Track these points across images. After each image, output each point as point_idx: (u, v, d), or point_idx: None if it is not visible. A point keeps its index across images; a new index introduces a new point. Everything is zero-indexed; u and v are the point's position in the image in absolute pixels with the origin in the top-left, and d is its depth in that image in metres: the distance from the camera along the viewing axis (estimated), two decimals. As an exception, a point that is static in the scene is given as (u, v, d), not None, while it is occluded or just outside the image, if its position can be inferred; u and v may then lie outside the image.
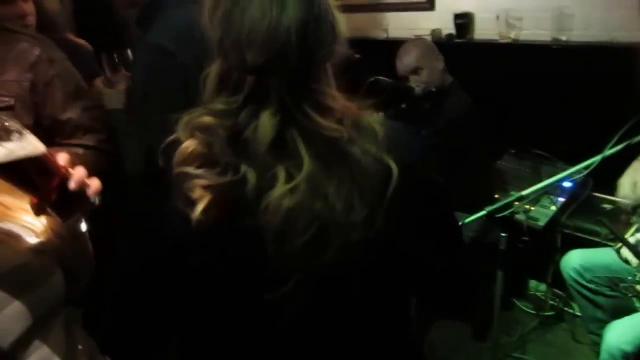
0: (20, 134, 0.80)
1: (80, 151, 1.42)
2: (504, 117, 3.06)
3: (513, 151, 3.10)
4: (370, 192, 0.77)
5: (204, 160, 0.79)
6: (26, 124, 1.32)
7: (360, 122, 0.81)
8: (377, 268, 0.83)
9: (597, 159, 1.73)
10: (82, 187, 0.85)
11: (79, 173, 0.85)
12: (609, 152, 1.71)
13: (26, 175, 0.81)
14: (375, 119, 0.83)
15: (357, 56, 3.27)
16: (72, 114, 1.44)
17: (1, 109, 1.32)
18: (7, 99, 1.34)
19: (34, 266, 0.85)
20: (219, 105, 0.78)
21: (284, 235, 0.75)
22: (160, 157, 0.82)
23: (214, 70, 0.80)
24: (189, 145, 0.80)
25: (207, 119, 0.78)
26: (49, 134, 1.39)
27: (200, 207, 0.77)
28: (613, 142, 1.73)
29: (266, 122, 0.75)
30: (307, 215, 0.75)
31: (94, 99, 1.60)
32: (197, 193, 0.78)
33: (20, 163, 0.79)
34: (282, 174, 0.75)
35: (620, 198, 2.20)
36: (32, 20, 1.85)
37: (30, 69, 1.38)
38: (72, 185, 0.82)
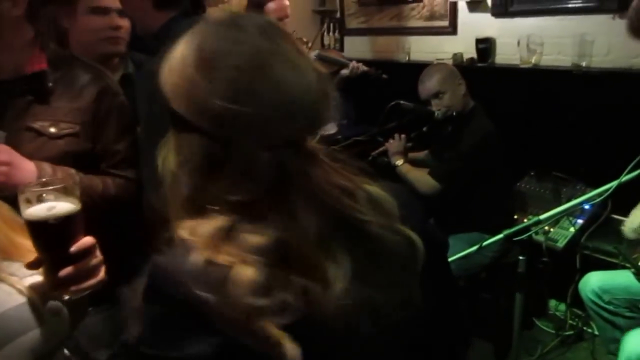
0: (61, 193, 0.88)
1: (122, 182, 1.49)
2: (524, 139, 3.11)
3: (533, 173, 3.14)
4: (401, 268, 0.72)
5: (262, 286, 0.62)
6: (85, 151, 1.42)
7: (373, 196, 0.74)
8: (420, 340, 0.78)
9: (614, 184, 1.77)
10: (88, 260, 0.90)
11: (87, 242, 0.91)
12: (625, 178, 1.76)
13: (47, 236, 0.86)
14: (381, 189, 0.76)
15: (384, 76, 3.37)
16: (121, 146, 1.49)
17: (67, 135, 1.39)
18: (73, 125, 1.40)
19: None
20: (232, 197, 0.66)
21: (347, 332, 0.66)
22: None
23: (196, 148, 0.67)
24: (247, 272, 0.62)
25: (256, 238, 0.64)
26: (98, 159, 1.48)
27: (290, 348, 0.60)
28: (630, 167, 1.78)
29: (308, 222, 0.66)
30: (362, 308, 0.67)
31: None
32: (276, 331, 0.60)
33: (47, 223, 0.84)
34: (331, 273, 0.65)
35: (626, 229, 2.20)
36: (125, 35, 1.89)
37: (95, 99, 1.44)
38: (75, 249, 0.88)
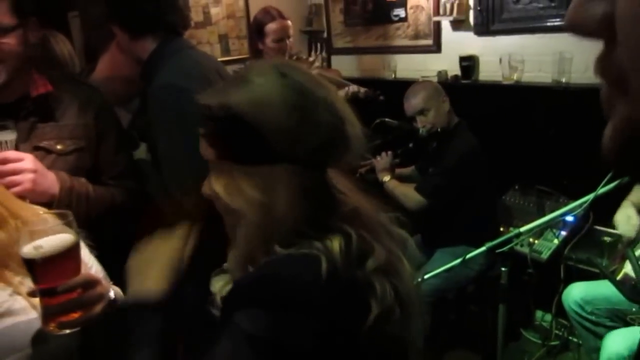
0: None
1: (124, 191, 1.56)
2: (508, 154, 3.18)
3: (517, 187, 3.21)
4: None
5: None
6: (88, 166, 1.49)
7: (389, 230, 0.92)
8: None
9: (591, 196, 1.83)
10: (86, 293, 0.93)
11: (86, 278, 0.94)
12: (601, 191, 1.82)
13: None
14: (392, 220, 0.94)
15: (381, 98, 3.41)
16: (120, 158, 1.58)
17: (75, 150, 1.46)
18: (78, 141, 1.48)
19: None
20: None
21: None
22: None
23: (294, 186, 0.84)
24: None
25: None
26: (98, 172, 1.54)
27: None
28: (605, 180, 1.84)
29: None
30: None
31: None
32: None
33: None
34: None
35: (621, 233, 2.30)
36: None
37: (96, 116, 1.52)
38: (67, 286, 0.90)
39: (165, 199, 1.55)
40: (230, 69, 2.71)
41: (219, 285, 1.03)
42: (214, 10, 3.91)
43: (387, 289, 0.83)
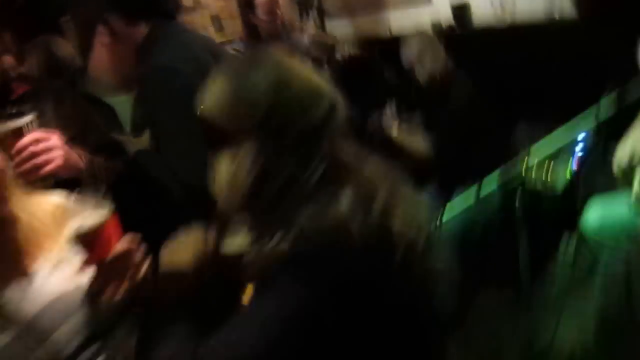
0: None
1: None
2: (510, 98, 3.18)
3: (524, 124, 3.18)
4: None
5: None
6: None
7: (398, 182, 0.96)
8: None
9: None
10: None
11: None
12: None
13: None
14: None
15: (377, 58, 3.42)
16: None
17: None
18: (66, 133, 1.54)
19: None
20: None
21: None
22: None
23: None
24: None
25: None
26: None
27: None
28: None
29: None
30: None
31: None
32: None
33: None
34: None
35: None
36: None
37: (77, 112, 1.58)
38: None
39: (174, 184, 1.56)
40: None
41: (237, 244, 1.07)
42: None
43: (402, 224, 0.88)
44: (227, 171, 0.88)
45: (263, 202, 0.87)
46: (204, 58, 1.66)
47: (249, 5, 3.01)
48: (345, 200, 0.84)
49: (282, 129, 0.85)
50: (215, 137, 0.91)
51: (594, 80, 2.76)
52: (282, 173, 0.85)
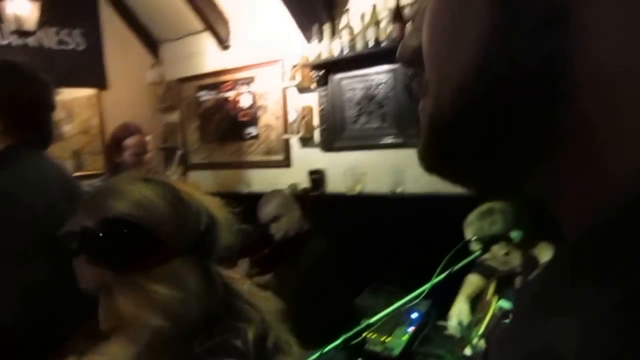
0: None
1: None
2: (357, 259, 3.38)
3: (368, 289, 3.39)
4: None
5: None
6: None
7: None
8: None
9: (428, 286, 2.03)
10: None
11: None
12: (436, 280, 2.02)
13: None
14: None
15: (236, 210, 3.45)
16: None
17: None
18: None
19: None
20: None
21: None
22: None
23: None
24: None
25: None
26: None
27: None
28: (438, 271, 2.05)
29: None
30: None
31: None
32: None
33: None
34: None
35: (451, 330, 2.52)
36: None
37: None
38: None
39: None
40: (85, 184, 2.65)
41: None
42: (67, 127, 3.86)
43: None
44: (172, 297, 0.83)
45: None
46: (55, 189, 1.58)
47: (118, 145, 3.00)
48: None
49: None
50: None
51: (431, 249, 3.05)
52: None
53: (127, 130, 3.02)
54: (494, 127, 0.29)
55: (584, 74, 0.26)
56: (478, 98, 0.29)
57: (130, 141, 2.96)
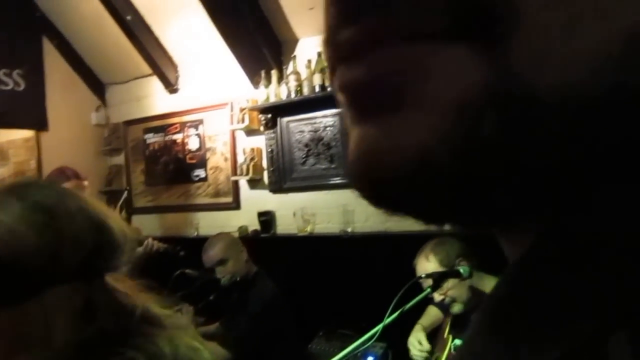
0: None
1: None
2: (309, 302, 3.22)
3: (321, 333, 3.21)
4: None
5: None
6: None
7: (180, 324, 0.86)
8: None
9: (379, 327, 1.89)
10: None
11: None
12: (388, 320, 1.89)
13: None
14: None
15: (182, 253, 3.28)
16: None
17: None
18: None
19: None
20: None
21: None
22: None
23: None
24: None
25: None
26: None
27: None
28: (389, 311, 1.92)
29: None
30: None
31: None
32: None
33: None
34: None
35: (412, 358, 2.38)
36: None
37: None
38: None
39: None
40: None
41: None
42: (1, 169, 3.59)
43: None
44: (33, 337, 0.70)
45: None
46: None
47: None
48: None
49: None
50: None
51: (385, 288, 2.93)
52: None
53: (63, 174, 2.80)
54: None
55: None
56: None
57: (65, 186, 2.74)
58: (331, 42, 0.20)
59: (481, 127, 0.17)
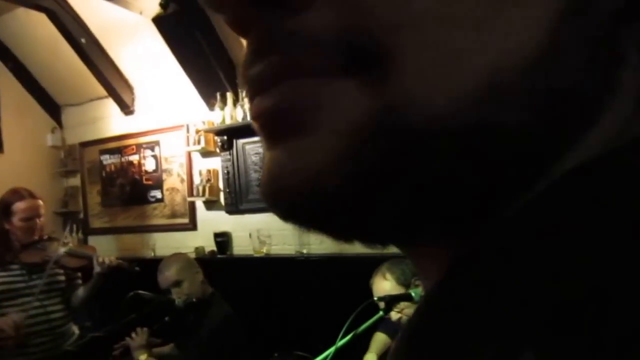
0: None
1: None
2: (264, 323, 3.21)
3: (277, 354, 3.20)
4: None
5: None
6: None
7: None
8: None
9: (332, 350, 1.91)
10: None
11: None
12: (340, 343, 1.92)
13: None
14: None
15: (137, 269, 3.22)
16: None
17: None
18: None
19: None
20: None
21: None
22: None
23: None
24: None
25: None
26: None
27: None
28: (342, 333, 1.95)
29: None
30: None
31: None
32: None
33: None
34: None
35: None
36: None
37: None
38: None
39: None
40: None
41: None
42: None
43: None
44: None
45: None
46: None
47: (6, 210, 2.70)
48: None
49: None
50: None
51: (339, 310, 2.96)
52: None
53: (17, 194, 2.73)
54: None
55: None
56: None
57: (19, 205, 2.67)
58: (247, 76, 0.22)
59: (368, 152, 0.19)
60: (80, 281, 2.90)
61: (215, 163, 3.74)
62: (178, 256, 2.81)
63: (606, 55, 0.19)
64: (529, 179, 0.19)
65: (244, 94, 3.48)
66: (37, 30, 3.85)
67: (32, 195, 2.76)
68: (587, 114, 0.19)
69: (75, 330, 2.80)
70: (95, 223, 4.28)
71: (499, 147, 0.19)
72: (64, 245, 3.29)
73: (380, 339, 2.47)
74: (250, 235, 3.49)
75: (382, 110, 0.19)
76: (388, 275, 2.13)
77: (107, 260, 3.04)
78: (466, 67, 0.18)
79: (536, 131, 0.19)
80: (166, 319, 2.67)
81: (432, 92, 0.18)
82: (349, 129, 0.19)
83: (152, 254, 3.92)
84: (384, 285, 2.12)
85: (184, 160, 3.87)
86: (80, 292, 2.82)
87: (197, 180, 3.75)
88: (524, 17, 0.18)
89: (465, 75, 0.18)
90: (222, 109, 3.51)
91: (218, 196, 3.71)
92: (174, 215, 3.89)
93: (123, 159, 4.17)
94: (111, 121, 4.27)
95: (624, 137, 0.19)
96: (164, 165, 3.97)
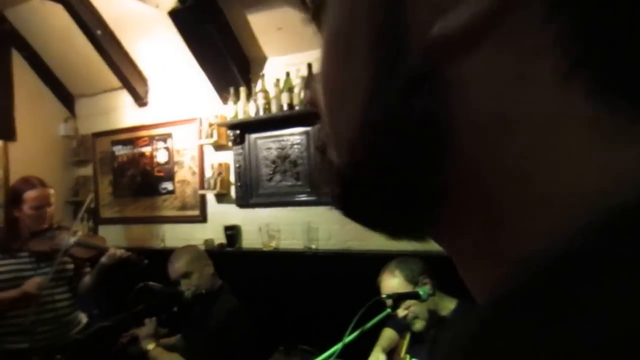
0: None
1: None
2: (271, 316, 3.21)
3: (282, 348, 3.20)
4: None
5: None
6: None
7: None
8: None
9: (339, 346, 1.90)
10: None
11: None
12: (348, 339, 1.91)
13: None
14: None
15: (146, 262, 3.22)
16: None
17: None
18: None
19: None
20: None
21: None
22: None
23: None
24: None
25: None
26: None
27: None
28: (350, 329, 1.94)
29: None
30: None
31: None
32: None
33: None
34: None
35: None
36: None
37: None
38: None
39: None
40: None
41: None
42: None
43: None
44: None
45: None
46: None
47: (17, 198, 2.70)
48: None
49: None
50: None
51: (346, 306, 2.95)
52: None
53: (28, 183, 2.73)
54: (383, 180, 0.27)
55: (463, 124, 0.23)
56: (366, 153, 0.27)
57: (30, 194, 2.67)
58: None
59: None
60: (88, 269, 2.90)
61: (227, 157, 3.74)
62: (189, 248, 2.81)
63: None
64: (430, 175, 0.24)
65: (257, 89, 3.47)
66: (52, 21, 3.85)
67: (43, 184, 2.76)
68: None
69: (83, 318, 2.81)
70: (106, 213, 4.29)
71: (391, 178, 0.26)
72: (73, 234, 3.30)
73: (388, 335, 2.46)
74: (259, 229, 3.48)
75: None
76: (397, 273, 2.12)
77: (118, 253, 3.04)
78: (349, 112, 0.27)
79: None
80: (174, 309, 2.67)
81: (337, 133, 0.30)
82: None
83: (162, 245, 3.92)
84: (392, 282, 2.11)
85: (195, 153, 3.87)
86: (87, 279, 2.83)
87: (208, 173, 3.74)
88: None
89: (347, 123, 0.28)
90: (235, 103, 3.50)
91: (228, 189, 3.70)
92: (184, 207, 3.89)
93: (135, 150, 4.17)
94: (124, 112, 4.28)
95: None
96: (176, 158, 3.97)
